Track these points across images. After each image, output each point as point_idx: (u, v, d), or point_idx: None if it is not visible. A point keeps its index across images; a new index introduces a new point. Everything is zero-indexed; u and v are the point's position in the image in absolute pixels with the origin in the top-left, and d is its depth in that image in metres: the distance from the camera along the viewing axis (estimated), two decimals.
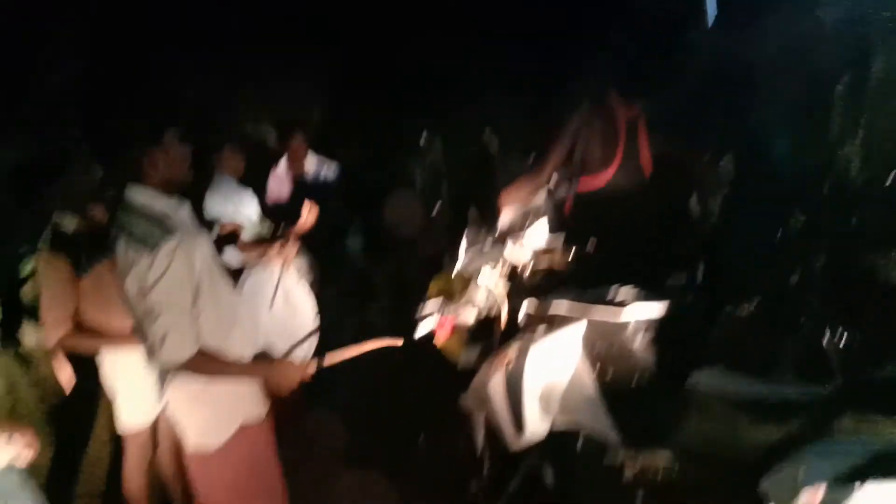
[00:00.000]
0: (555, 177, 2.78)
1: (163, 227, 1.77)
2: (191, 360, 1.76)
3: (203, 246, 1.91)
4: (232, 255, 2.85)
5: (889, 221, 2.78)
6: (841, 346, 2.46)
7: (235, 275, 2.64)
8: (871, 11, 3.15)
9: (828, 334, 2.44)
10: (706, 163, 3.02)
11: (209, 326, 1.84)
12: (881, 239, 2.73)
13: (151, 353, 1.75)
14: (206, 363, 1.81)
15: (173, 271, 1.73)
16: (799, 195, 2.95)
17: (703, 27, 4.28)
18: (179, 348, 1.75)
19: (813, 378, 2.10)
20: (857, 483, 1.16)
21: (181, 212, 1.94)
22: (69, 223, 2.46)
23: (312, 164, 3.99)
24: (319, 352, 2.10)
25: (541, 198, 2.97)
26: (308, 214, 2.93)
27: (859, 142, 2.93)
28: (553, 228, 2.91)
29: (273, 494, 2.04)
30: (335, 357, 2.06)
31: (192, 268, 1.80)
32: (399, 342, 2.08)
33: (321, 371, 2.03)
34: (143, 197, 1.85)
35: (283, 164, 4.03)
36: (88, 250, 2.40)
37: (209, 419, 1.92)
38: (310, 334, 2.63)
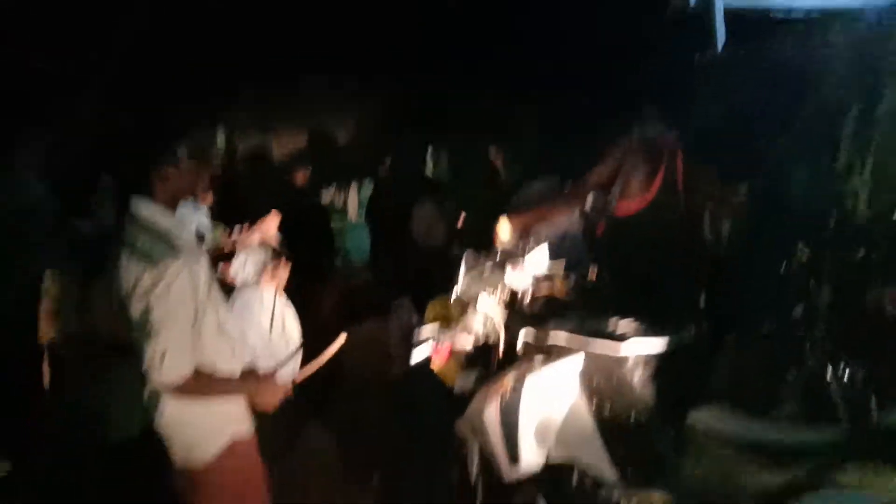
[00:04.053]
0: (591, 199, 2.79)
1: (167, 244, 1.76)
2: (186, 379, 1.75)
3: (204, 265, 1.89)
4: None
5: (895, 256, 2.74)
6: (844, 381, 2.41)
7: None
8: (880, 44, 3.12)
9: (830, 370, 2.40)
10: (725, 190, 3.00)
11: (207, 345, 1.84)
12: (887, 273, 2.69)
13: (150, 371, 1.73)
14: (198, 383, 1.79)
15: (177, 290, 1.71)
16: (805, 227, 2.92)
17: (712, 54, 4.26)
18: (177, 367, 1.73)
19: (817, 421, 2.06)
20: None
21: (186, 229, 1.92)
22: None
23: None
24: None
25: (569, 220, 2.99)
26: (270, 223, 2.96)
27: (867, 175, 2.89)
28: (582, 250, 2.92)
29: None
30: (306, 372, 2.09)
31: (196, 288, 1.78)
32: (343, 338, 2.07)
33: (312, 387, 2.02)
34: (148, 211, 1.82)
35: None
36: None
37: (197, 435, 1.91)
38: (294, 352, 2.61)
